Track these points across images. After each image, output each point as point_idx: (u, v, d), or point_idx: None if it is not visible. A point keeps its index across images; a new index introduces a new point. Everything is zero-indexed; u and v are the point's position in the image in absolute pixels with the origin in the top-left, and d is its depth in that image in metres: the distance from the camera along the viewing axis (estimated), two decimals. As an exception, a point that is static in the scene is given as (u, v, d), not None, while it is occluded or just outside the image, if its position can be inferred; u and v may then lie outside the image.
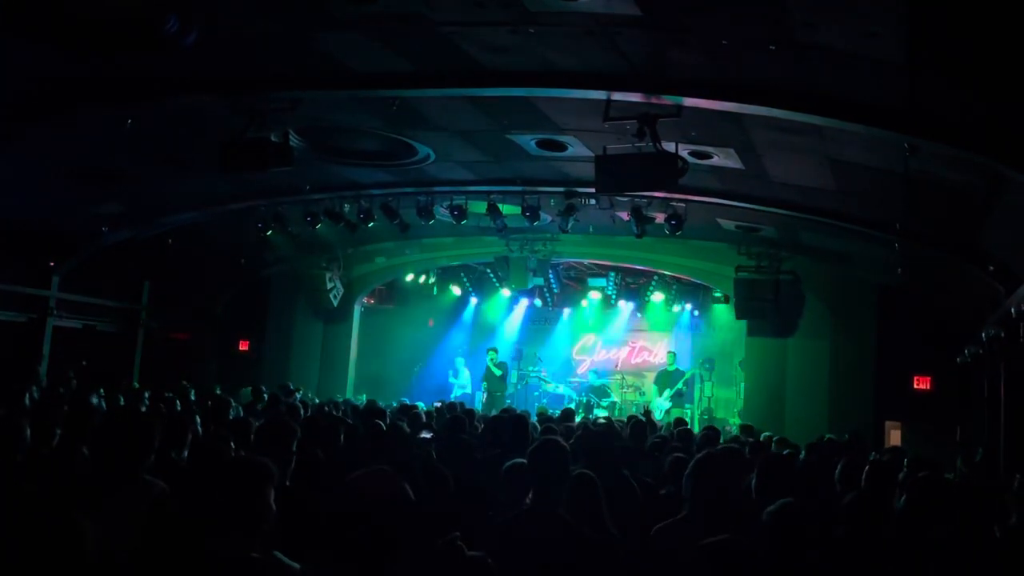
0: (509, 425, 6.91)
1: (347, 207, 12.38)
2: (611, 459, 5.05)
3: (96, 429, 4.81)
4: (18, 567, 2.68)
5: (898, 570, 3.50)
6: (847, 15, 5.38)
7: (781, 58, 6.07)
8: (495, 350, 17.41)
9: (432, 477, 3.10)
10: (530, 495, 3.54)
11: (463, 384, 17.53)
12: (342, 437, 6.20)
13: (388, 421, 6.56)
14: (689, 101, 7.15)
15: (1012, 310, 7.37)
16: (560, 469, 3.49)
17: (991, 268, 9.30)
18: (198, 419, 6.43)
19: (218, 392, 11.17)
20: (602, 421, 9.11)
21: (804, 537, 2.85)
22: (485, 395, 16.60)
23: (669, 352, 16.63)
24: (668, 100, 7.19)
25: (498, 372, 16.82)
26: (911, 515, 3.79)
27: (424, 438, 7.07)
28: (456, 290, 19.43)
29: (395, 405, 10.17)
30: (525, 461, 4.23)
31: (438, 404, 10.62)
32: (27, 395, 8.48)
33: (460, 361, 18.07)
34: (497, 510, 4.27)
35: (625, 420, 9.70)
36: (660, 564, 3.49)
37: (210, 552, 2.52)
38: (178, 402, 8.67)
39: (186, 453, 4.83)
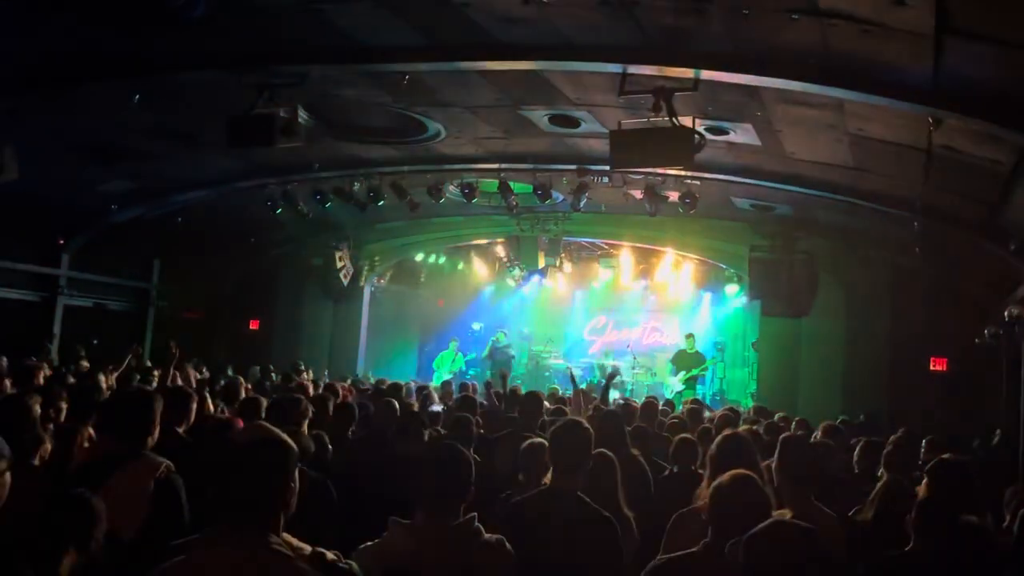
0: (519, 403, 6.86)
1: (356, 185, 12.27)
2: (623, 439, 4.96)
3: (101, 406, 4.78)
4: (33, 543, 2.62)
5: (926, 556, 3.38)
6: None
7: (804, 28, 5.89)
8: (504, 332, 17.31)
9: (451, 455, 3.00)
10: (550, 474, 3.45)
11: (456, 370, 16.40)
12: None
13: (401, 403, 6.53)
14: (707, 74, 6.96)
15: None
16: (584, 450, 3.40)
17: (1012, 247, 9.10)
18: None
19: (230, 372, 11.16)
20: (620, 401, 9.02)
21: None
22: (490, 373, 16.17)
23: (688, 335, 15.96)
24: (686, 73, 7.00)
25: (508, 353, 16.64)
26: (934, 499, 3.66)
27: (435, 412, 7.06)
28: (466, 270, 19.32)
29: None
30: (544, 441, 4.14)
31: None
32: (40, 373, 8.43)
33: (453, 344, 17.09)
34: (510, 488, 4.20)
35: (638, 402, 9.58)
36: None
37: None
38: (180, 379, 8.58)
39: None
